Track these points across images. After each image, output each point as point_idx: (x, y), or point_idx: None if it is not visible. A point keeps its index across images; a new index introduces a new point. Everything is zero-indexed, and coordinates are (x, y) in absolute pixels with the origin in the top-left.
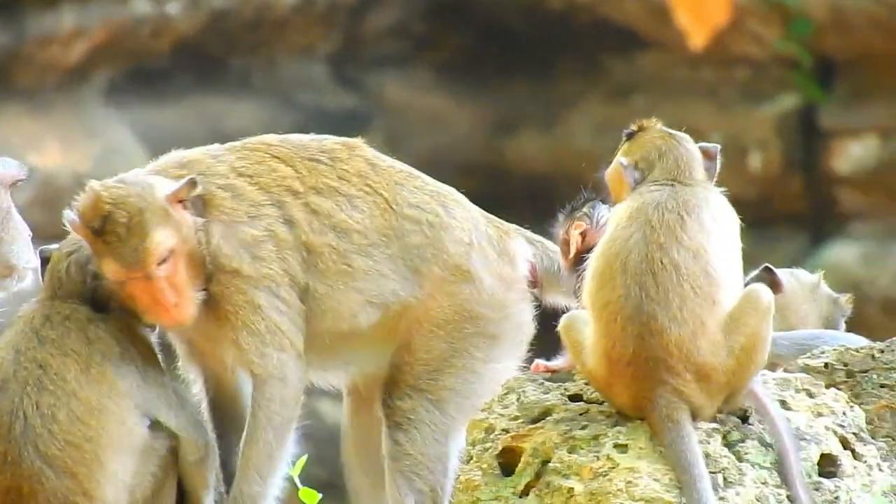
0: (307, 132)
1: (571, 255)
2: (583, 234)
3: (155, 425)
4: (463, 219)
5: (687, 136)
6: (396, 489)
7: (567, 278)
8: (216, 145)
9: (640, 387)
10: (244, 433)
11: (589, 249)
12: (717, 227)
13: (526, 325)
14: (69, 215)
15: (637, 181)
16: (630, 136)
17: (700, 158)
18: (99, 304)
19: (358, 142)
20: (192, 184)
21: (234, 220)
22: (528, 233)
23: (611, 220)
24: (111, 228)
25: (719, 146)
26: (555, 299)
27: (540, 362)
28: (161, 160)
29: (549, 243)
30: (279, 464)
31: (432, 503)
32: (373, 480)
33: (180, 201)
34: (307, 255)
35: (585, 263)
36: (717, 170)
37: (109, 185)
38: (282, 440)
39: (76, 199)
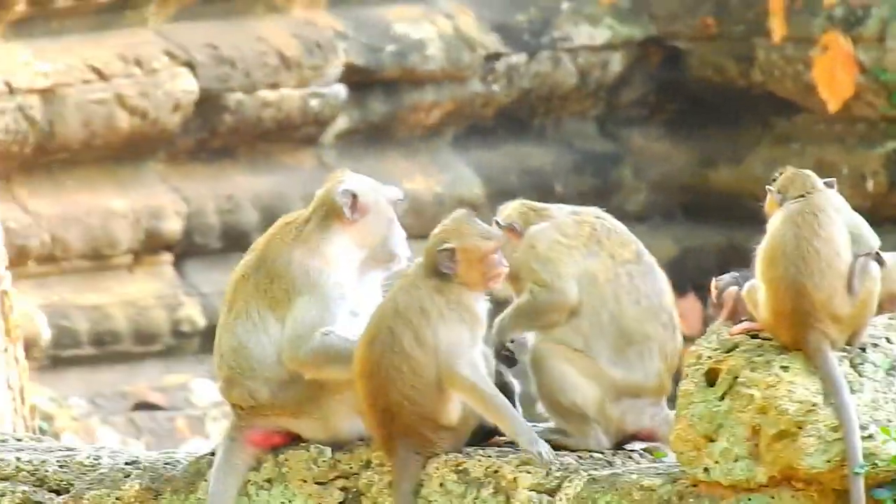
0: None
1: (727, 309)
2: (719, 290)
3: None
4: None
5: (810, 171)
6: None
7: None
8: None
9: (797, 330)
10: None
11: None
12: (839, 216)
13: None
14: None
15: (780, 200)
16: (774, 180)
17: (818, 180)
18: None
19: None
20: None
21: None
22: None
23: (770, 225)
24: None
25: (835, 180)
26: None
27: (741, 326)
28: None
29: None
30: None
31: None
32: None
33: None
34: None
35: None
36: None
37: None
38: None
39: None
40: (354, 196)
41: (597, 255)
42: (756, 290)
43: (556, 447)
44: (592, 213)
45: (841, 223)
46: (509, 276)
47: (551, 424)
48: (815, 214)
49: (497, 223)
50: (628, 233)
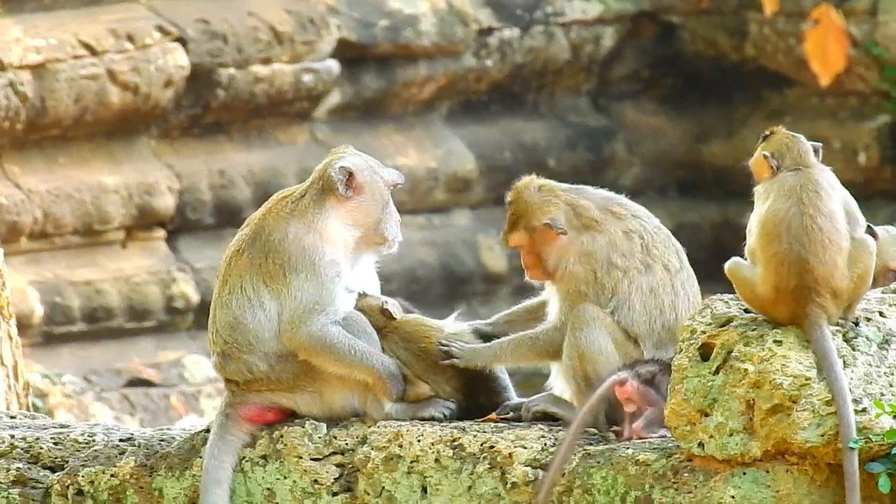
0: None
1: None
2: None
3: None
4: None
5: (801, 136)
6: None
7: None
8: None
9: (798, 305)
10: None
11: None
12: (835, 193)
13: None
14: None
15: (776, 166)
16: (765, 137)
17: (811, 149)
18: None
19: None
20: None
21: None
22: None
23: (763, 195)
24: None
25: (821, 145)
26: None
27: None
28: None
29: None
30: None
31: None
32: None
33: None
34: None
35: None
36: (820, 159)
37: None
38: None
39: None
40: (350, 173)
41: (652, 268)
42: (743, 266)
43: (550, 418)
44: (621, 203)
45: (838, 199)
46: (545, 269)
47: (552, 392)
48: (817, 191)
49: (549, 224)
50: (665, 230)
